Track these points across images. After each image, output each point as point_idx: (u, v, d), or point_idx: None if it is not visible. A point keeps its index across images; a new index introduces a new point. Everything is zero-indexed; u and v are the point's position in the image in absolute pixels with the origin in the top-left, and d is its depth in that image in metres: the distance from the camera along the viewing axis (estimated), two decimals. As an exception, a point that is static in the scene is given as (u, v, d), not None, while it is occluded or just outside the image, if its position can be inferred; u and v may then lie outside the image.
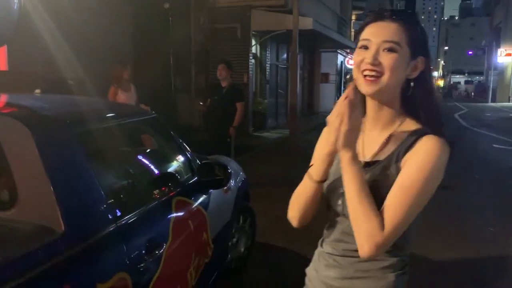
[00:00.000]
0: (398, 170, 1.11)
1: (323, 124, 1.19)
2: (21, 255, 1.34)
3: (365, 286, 1.17)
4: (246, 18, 10.89)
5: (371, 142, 1.20)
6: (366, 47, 1.13)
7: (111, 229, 1.71)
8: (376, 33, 1.12)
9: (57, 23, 5.23)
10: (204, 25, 10.88)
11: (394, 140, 1.16)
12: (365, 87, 1.12)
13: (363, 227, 1.05)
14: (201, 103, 5.57)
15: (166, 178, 2.27)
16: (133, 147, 2.29)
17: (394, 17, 1.12)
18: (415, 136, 1.12)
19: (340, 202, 1.19)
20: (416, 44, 1.13)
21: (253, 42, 11.74)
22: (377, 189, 1.10)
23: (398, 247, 1.14)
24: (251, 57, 11.46)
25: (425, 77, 1.16)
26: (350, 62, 21.03)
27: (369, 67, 1.10)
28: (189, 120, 10.28)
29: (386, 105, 1.17)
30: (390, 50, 1.10)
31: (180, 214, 2.26)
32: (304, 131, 12.05)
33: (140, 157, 2.20)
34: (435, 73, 76.39)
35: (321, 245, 1.31)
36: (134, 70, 5.36)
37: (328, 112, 1.14)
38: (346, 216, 1.14)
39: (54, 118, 1.75)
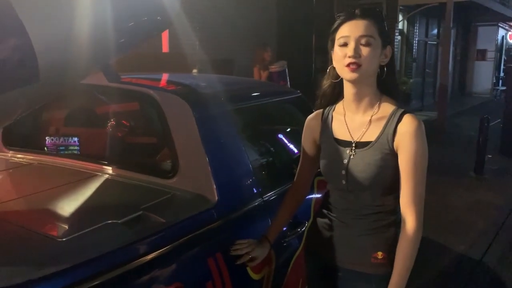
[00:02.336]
0: (392, 151, 1.33)
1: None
2: (181, 220, 1.47)
3: (373, 239, 1.39)
4: (394, -8, 10.24)
5: (356, 124, 1.40)
6: (346, 44, 1.30)
7: (258, 203, 1.78)
8: (353, 30, 1.30)
9: (207, 5, 5.58)
10: (348, 2, 10.55)
11: (378, 120, 1.36)
12: (349, 74, 1.31)
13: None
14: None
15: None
16: (278, 126, 2.33)
17: (364, 15, 1.31)
18: (396, 118, 1.34)
19: (344, 181, 1.39)
20: (385, 36, 1.33)
21: (400, 17, 11.02)
22: (379, 167, 1.33)
23: (395, 209, 1.39)
24: (397, 34, 10.79)
25: (391, 62, 1.38)
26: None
27: (352, 60, 1.28)
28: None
29: (366, 89, 1.36)
30: (367, 43, 1.28)
31: (321, 194, 2.25)
32: (454, 114, 11.01)
33: (284, 135, 2.24)
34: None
35: (328, 212, 1.50)
36: (277, 51, 5.47)
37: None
38: (350, 190, 1.39)
39: (211, 95, 1.87)
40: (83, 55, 1.50)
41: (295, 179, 1.66)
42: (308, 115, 2.67)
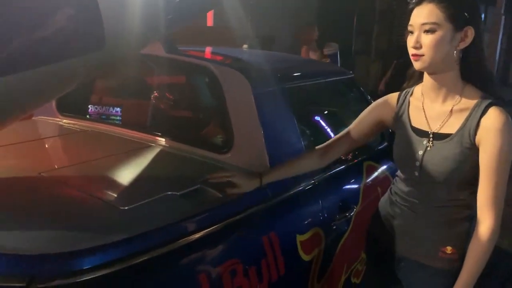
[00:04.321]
0: (473, 145, 1.24)
1: None
2: (236, 197, 1.46)
3: (443, 233, 1.33)
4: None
5: (435, 113, 1.31)
6: (412, 32, 1.24)
7: (310, 184, 1.75)
8: (416, 18, 1.22)
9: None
10: (392, -17, 10.17)
11: (459, 112, 1.27)
12: (414, 64, 1.25)
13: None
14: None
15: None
16: (332, 106, 2.28)
17: None
18: (480, 110, 1.23)
19: (417, 173, 1.32)
20: (459, 18, 1.20)
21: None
22: (457, 162, 1.25)
23: (470, 203, 1.31)
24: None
25: (476, 45, 1.24)
26: None
27: (413, 51, 1.23)
28: (365, 83, 9.96)
29: (443, 77, 1.27)
30: (429, 31, 1.20)
31: (370, 179, 2.20)
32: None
33: (337, 116, 2.19)
34: None
35: (396, 199, 1.43)
36: (319, 32, 5.34)
37: None
38: (423, 182, 1.32)
39: (269, 72, 1.83)
40: (143, 24, 1.49)
41: (329, 142, 1.57)
42: (360, 96, 2.63)
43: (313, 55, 4.74)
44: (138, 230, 1.15)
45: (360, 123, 1.52)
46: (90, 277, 1.03)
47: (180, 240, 1.22)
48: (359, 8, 9.12)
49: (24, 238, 1.09)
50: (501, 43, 14.81)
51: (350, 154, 2.13)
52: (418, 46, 1.21)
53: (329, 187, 1.86)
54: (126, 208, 1.25)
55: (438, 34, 1.20)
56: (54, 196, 1.32)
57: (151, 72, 2.05)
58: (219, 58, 1.93)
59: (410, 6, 1.25)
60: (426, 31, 1.20)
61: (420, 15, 1.21)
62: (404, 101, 1.41)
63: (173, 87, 2.00)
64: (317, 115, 2.14)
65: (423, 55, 1.21)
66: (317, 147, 1.58)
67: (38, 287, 0.98)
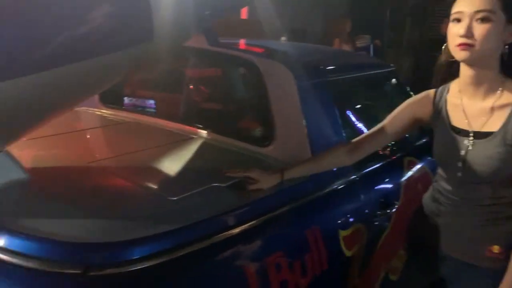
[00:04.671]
0: None
1: None
2: (282, 190, 1.45)
3: (490, 232, 1.28)
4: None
5: (475, 111, 1.25)
6: (458, 20, 1.16)
7: (352, 179, 1.73)
8: (467, 5, 1.14)
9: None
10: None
11: (501, 108, 1.21)
12: (459, 54, 1.17)
13: None
14: None
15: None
16: (372, 99, 2.24)
17: None
18: None
19: (460, 173, 1.27)
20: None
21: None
22: (501, 160, 1.20)
23: None
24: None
25: None
26: None
27: (462, 40, 1.13)
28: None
29: (485, 71, 1.20)
30: (483, 19, 1.12)
31: (411, 175, 2.16)
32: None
33: (379, 109, 2.15)
34: None
35: (439, 197, 1.38)
36: (352, 25, 5.26)
37: None
38: (467, 182, 1.27)
39: (311, 64, 1.81)
40: (189, 17, 1.50)
41: (359, 138, 1.51)
42: (400, 89, 2.57)
43: (346, 47, 4.69)
44: (187, 221, 1.16)
45: (394, 120, 1.46)
46: (140, 267, 1.04)
47: (227, 232, 1.22)
48: (391, 1, 8.90)
49: (78, 227, 1.11)
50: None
51: (389, 150, 2.09)
52: (469, 35, 1.14)
53: (370, 183, 1.83)
54: (174, 198, 1.26)
55: (493, 23, 1.13)
56: (104, 186, 1.35)
57: (194, 64, 2.06)
58: (260, 50, 1.92)
59: None
60: (480, 20, 1.13)
61: (473, 2, 1.15)
62: (440, 98, 1.36)
63: (215, 80, 2.00)
64: (359, 108, 2.11)
65: (473, 45, 1.14)
66: (345, 143, 1.53)
67: (93, 274, 1.00)
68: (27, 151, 1.46)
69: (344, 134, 1.76)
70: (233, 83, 2.07)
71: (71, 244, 1.03)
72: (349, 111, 1.98)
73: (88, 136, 1.89)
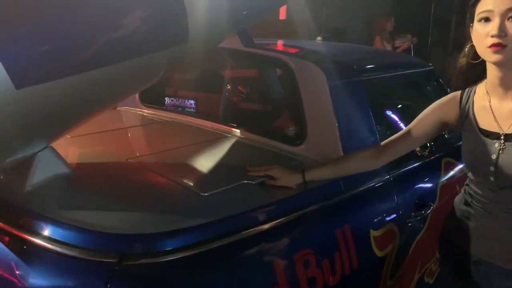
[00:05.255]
0: None
1: None
2: (312, 188, 1.47)
3: None
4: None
5: (505, 112, 1.22)
6: (487, 19, 1.11)
7: (386, 178, 1.71)
8: (498, 2, 1.09)
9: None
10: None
11: None
12: (492, 56, 1.12)
13: None
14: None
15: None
16: (408, 99, 2.21)
17: None
18: None
19: (492, 178, 1.23)
20: None
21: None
22: None
23: None
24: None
25: None
26: None
27: (495, 40, 1.08)
28: (440, 76, 9.43)
29: None
30: None
31: (448, 176, 2.11)
32: None
33: (414, 110, 2.11)
34: None
35: (472, 200, 1.34)
36: (394, 23, 5.15)
37: None
38: (500, 186, 1.23)
39: (344, 64, 1.81)
40: (223, 18, 1.54)
41: (386, 142, 1.48)
42: (439, 89, 2.51)
43: (387, 46, 4.61)
44: (217, 216, 1.20)
45: (421, 123, 1.42)
46: (172, 258, 1.09)
47: (256, 228, 1.25)
48: (436, -2, 8.63)
49: (114, 218, 1.18)
50: None
51: (427, 150, 2.05)
52: (503, 34, 1.09)
53: (405, 183, 1.80)
54: (206, 194, 1.31)
55: None
56: (141, 181, 1.42)
57: (229, 65, 2.11)
58: (294, 50, 1.94)
59: None
60: (510, 19, 1.09)
61: (504, 0, 1.10)
62: (468, 100, 1.31)
63: (249, 80, 2.04)
64: (394, 108, 2.08)
65: (506, 46, 1.09)
66: (372, 147, 1.50)
67: (128, 263, 1.06)
68: (71, 148, 1.55)
69: (377, 135, 1.75)
70: (267, 83, 2.10)
71: (108, 234, 1.09)
72: (384, 111, 1.96)
73: (129, 134, 1.98)
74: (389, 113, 2.02)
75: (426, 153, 2.02)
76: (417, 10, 8.52)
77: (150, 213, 1.21)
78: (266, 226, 1.27)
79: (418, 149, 1.99)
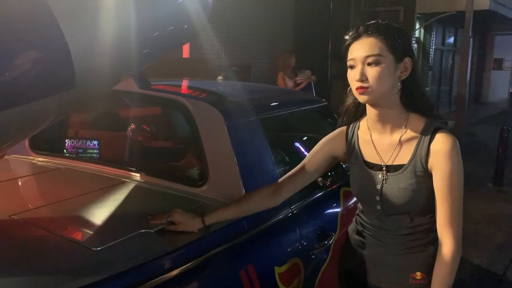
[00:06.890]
0: (426, 172, 1.27)
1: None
2: (214, 231, 1.45)
3: (411, 259, 1.34)
4: (411, 0, 10.16)
5: (385, 145, 1.33)
6: (352, 67, 1.23)
7: (287, 213, 1.75)
8: (357, 52, 1.22)
9: (224, 10, 5.55)
10: (365, 9, 10.50)
11: (408, 141, 1.29)
12: (360, 97, 1.25)
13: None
14: None
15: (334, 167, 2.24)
16: (305, 134, 2.31)
17: (369, 32, 1.23)
18: (428, 137, 1.26)
19: (379, 207, 1.34)
20: (398, 49, 1.23)
21: (417, 25, 10.93)
22: (414, 191, 1.27)
23: (432, 227, 1.31)
24: (413, 42, 10.69)
25: (414, 75, 1.27)
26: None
27: (359, 84, 1.21)
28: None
29: (388, 109, 1.28)
30: (374, 63, 1.20)
31: (348, 205, 2.22)
32: (470, 123, 10.85)
33: (310, 144, 2.22)
34: None
35: (363, 230, 1.43)
36: (295, 58, 5.46)
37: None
38: (386, 214, 1.34)
39: (242, 104, 1.85)
40: (114, 62, 1.50)
41: (282, 179, 1.52)
42: (333, 124, 2.67)
43: (289, 82, 4.82)
44: (110, 272, 1.13)
45: (313, 158, 1.49)
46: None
47: (155, 279, 1.19)
48: (332, 34, 9.30)
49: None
50: (471, 64, 15.36)
51: (328, 180, 2.14)
52: (364, 79, 1.21)
53: (307, 215, 1.86)
54: (99, 248, 1.23)
55: (383, 65, 1.20)
56: (26, 239, 1.30)
57: (125, 107, 2.05)
58: (192, 91, 1.95)
59: (347, 42, 1.26)
60: (370, 64, 1.20)
61: (362, 49, 1.21)
62: (353, 135, 1.41)
63: (147, 122, 2.00)
64: (292, 144, 2.16)
65: (369, 88, 1.21)
66: (269, 185, 1.53)
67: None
68: None
69: (277, 170, 1.80)
70: (166, 125, 2.08)
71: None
72: (283, 147, 2.02)
73: (16, 186, 1.82)
74: (288, 148, 2.09)
75: (328, 183, 2.11)
76: (316, 46, 9.11)
77: (34, 276, 1.10)
78: (166, 276, 1.22)
79: (320, 179, 2.08)
